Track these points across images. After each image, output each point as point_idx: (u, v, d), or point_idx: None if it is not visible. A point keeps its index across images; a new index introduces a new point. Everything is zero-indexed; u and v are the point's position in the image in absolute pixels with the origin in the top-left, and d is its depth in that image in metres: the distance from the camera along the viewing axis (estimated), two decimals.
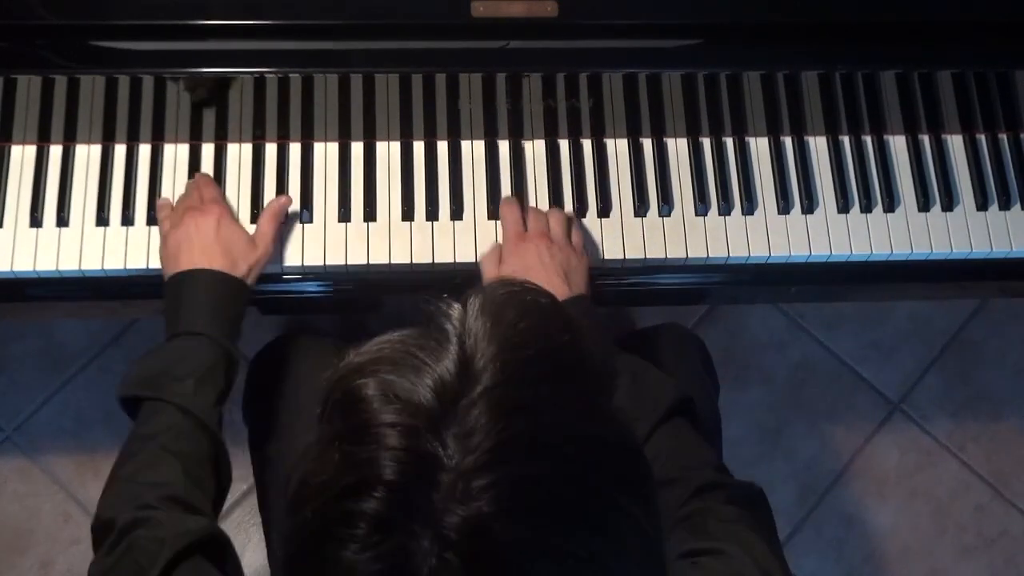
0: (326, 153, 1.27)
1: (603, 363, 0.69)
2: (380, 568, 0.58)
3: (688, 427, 1.07)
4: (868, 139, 1.32)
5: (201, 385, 1.05)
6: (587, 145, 1.29)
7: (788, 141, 1.32)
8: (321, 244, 1.24)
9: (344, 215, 1.25)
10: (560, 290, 1.13)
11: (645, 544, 0.63)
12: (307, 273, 1.24)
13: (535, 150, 1.29)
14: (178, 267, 1.12)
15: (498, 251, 1.20)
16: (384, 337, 0.65)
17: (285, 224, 1.24)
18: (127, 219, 1.24)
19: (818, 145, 1.32)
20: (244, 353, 1.81)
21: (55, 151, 1.25)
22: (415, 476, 0.59)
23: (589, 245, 1.25)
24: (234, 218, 1.19)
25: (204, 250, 1.12)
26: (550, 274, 1.14)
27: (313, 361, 1.31)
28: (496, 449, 0.59)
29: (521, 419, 0.60)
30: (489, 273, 1.18)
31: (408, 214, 1.26)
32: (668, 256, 1.27)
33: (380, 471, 0.59)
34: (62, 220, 1.23)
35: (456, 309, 0.65)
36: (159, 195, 1.25)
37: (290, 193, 1.25)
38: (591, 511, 0.60)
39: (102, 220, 1.24)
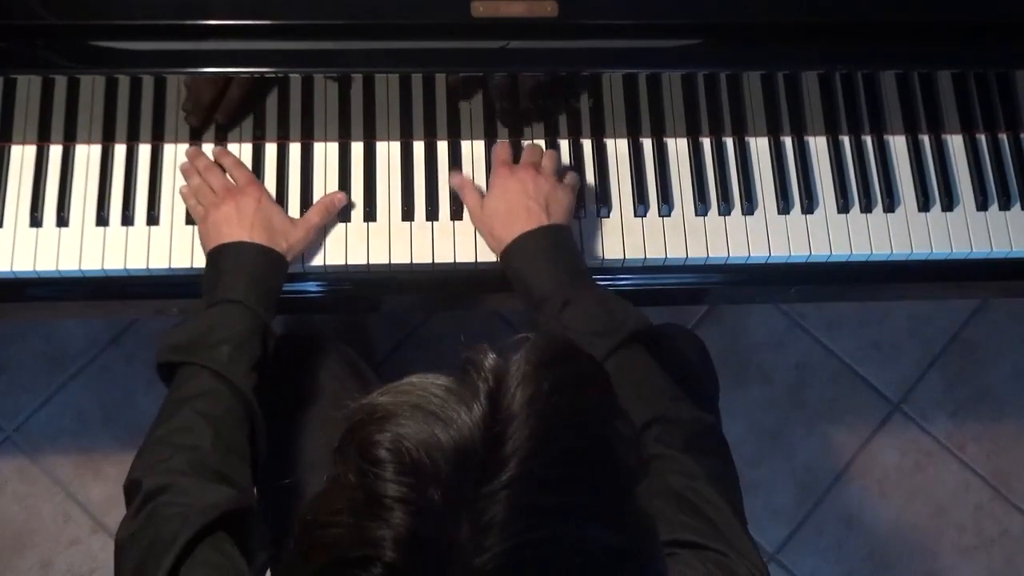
0: (326, 153, 1.27)
1: (634, 446, 0.66)
2: None
3: (646, 354, 1.07)
4: (868, 139, 1.32)
5: (237, 351, 1.05)
6: (587, 145, 1.29)
7: (788, 141, 1.32)
8: (321, 244, 1.24)
9: (344, 215, 1.25)
10: (538, 216, 1.15)
11: None
12: (307, 273, 1.24)
13: None
14: (219, 240, 1.14)
15: (472, 185, 1.24)
16: (413, 380, 0.61)
17: None
18: (127, 219, 1.24)
19: (818, 145, 1.32)
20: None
21: (55, 151, 1.25)
22: (420, 562, 0.56)
23: (589, 244, 1.25)
24: (272, 198, 1.21)
25: (244, 225, 1.15)
26: (529, 200, 1.16)
27: (313, 362, 1.31)
28: (512, 552, 0.56)
29: (544, 527, 0.57)
30: (473, 206, 1.21)
31: (408, 214, 1.26)
32: (668, 256, 1.27)
33: (383, 553, 0.56)
34: (62, 220, 1.23)
35: (491, 361, 0.61)
36: (159, 195, 1.24)
37: (290, 193, 1.25)
38: None
39: (102, 220, 1.24)
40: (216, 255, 1.14)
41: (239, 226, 1.15)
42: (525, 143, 1.27)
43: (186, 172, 1.25)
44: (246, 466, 1.00)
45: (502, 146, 1.25)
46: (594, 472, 0.61)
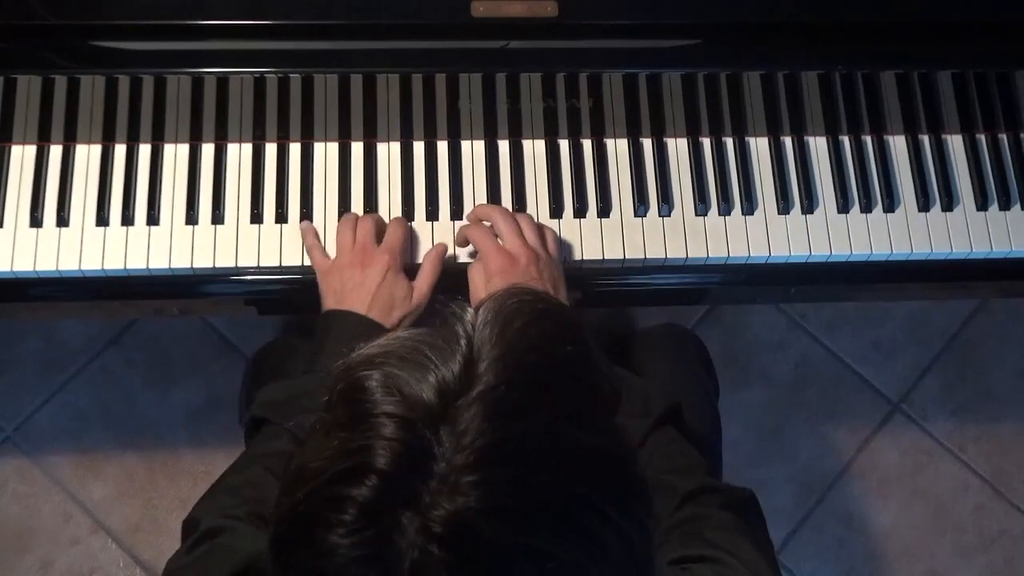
0: (326, 153, 1.27)
1: (608, 376, 0.69)
2: (362, 555, 0.59)
3: (677, 434, 1.08)
4: (868, 139, 1.32)
5: None
6: (587, 145, 1.29)
7: (788, 141, 1.32)
8: (320, 244, 1.24)
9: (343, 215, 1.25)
10: None
11: (631, 554, 0.63)
12: (307, 273, 1.24)
13: (535, 150, 1.29)
14: (336, 305, 1.15)
15: (482, 268, 1.16)
16: (397, 333, 0.66)
17: (286, 224, 1.24)
18: (127, 219, 1.24)
19: (818, 145, 1.32)
20: (246, 354, 1.82)
21: (55, 151, 1.25)
22: (407, 467, 0.59)
23: (590, 244, 1.25)
24: (400, 269, 1.18)
25: (363, 296, 1.14)
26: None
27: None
28: (487, 449, 0.60)
29: (514, 423, 0.61)
30: (479, 292, 1.15)
31: (408, 214, 1.26)
32: (668, 256, 1.27)
33: (373, 459, 0.60)
34: (62, 220, 1.23)
35: (469, 312, 0.66)
36: (159, 195, 1.24)
37: (290, 193, 1.25)
38: (577, 518, 0.61)
39: (102, 220, 1.24)
40: (328, 319, 1.15)
41: (358, 297, 1.14)
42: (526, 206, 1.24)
43: (344, 219, 1.22)
44: None
45: (479, 234, 1.18)
46: (565, 381, 0.65)
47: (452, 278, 1.21)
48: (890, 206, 1.30)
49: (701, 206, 1.28)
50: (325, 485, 0.61)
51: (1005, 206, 1.31)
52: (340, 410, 0.64)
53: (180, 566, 0.93)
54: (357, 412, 0.62)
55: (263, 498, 0.99)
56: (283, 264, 1.23)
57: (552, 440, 0.62)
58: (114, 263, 1.23)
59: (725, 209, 1.28)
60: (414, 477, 0.59)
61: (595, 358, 0.69)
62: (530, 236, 1.17)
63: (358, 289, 1.15)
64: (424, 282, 1.19)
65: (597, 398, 0.67)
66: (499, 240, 1.17)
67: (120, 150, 1.26)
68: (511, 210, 1.24)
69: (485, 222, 1.20)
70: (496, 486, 0.59)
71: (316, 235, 1.22)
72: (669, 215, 1.28)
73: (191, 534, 0.95)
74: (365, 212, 1.25)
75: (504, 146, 1.28)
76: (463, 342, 0.64)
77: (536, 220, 1.22)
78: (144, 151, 1.26)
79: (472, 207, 1.25)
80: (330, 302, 1.16)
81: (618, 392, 0.70)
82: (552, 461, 0.61)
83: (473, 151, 1.28)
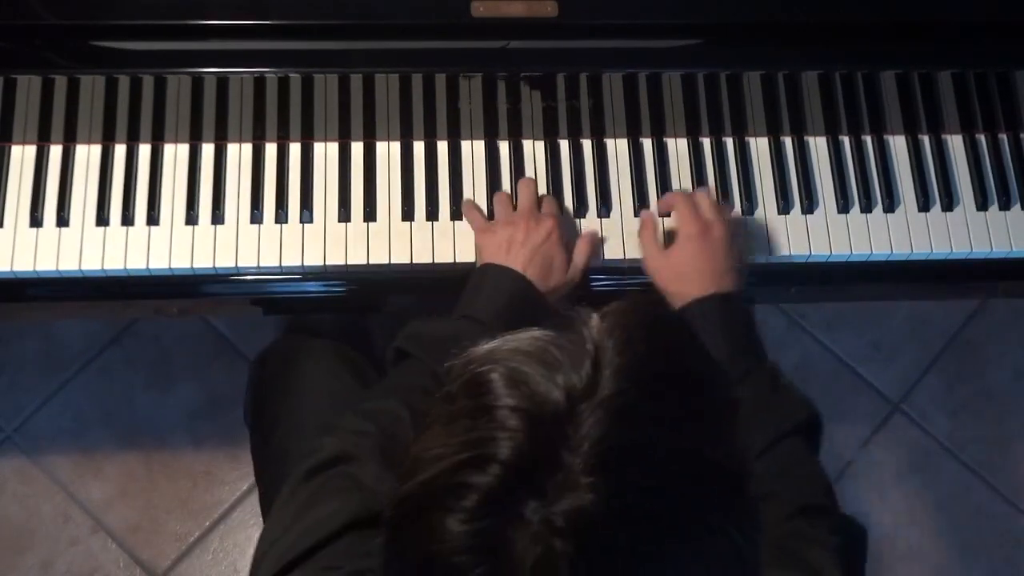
0: (326, 153, 1.27)
1: (727, 384, 0.70)
2: (479, 543, 0.60)
3: (803, 447, 1.07)
4: (868, 139, 1.32)
5: None
6: (587, 145, 1.29)
7: (788, 141, 1.32)
8: (321, 244, 1.24)
9: (344, 215, 1.25)
10: (720, 281, 1.14)
11: (742, 570, 0.64)
12: (307, 273, 1.24)
13: (535, 150, 1.29)
14: (495, 259, 1.15)
15: (653, 229, 1.21)
16: (520, 333, 0.66)
17: (286, 224, 1.24)
18: (127, 219, 1.24)
19: (818, 145, 1.32)
20: (246, 354, 1.82)
21: (55, 151, 1.25)
22: (531, 460, 0.60)
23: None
24: (563, 236, 1.19)
25: (524, 255, 1.15)
26: (717, 265, 1.15)
27: (314, 362, 1.31)
28: (608, 453, 0.60)
29: (637, 430, 0.62)
30: (654, 254, 1.19)
31: (408, 214, 1.26)
32: None
33: (497, 450, 0.60)
34: (62, 220, 1.23)
35: (594, 319, 0.66)
36: (159, 195, 1.24)
37: (290, 193, 1.25)
38: (694, 528, 0.62)
39: (102, 220, 1.24)
40: (485, 272, 1.15)
41: (520, 256, 1.15)
42: (698, 191, 1.24)
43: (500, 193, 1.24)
44: None
45: (682, 198, 1.21)
46: (684, 393, 0.66)
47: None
48: (890, 206, 1.30)
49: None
50: (446, 472, 0.61)
51: (1005, 206, 1.31)
52: (462, 402, 0.64)
53: (303, 485, 0.92)
54: (480, 404, 0.63)
55: (395, 433, 0.98)
56: (283, 264, 1.23)
57: (673, 450, 0.63)
58: (114, 263, 1.23)
59: None
60: (537, 470, 0.60)
61: (715, 369, 0.70)
62: (703, 204, 1.19)
63: (521, 247, 1.15)
64: (580, 258, 1.20)
65: (717, 410, 0.67)
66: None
67: (120, 150, 1.26)
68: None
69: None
70: (616, 490, 0.60)
71: (475, 203, 1.24)
72: (669, 215, 1.28)
73: (318, 449, 0.94)
74: (366, 211, 1.25)
75: (504, 146, 1.28)
76: (590, 347, 0.64)
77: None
78: (144, 151, 1.26)
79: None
80: (487, 255, 1.17)
81: (736, 401, 0.70)
82: (672, 470, 0.62)
83: (473, 151, 1.28)
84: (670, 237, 1.23)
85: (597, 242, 1.24)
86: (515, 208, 1.23)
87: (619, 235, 1.27)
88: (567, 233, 1.22)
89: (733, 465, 0.66)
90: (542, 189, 1.27)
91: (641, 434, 0.62)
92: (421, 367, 1.05)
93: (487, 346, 0.66)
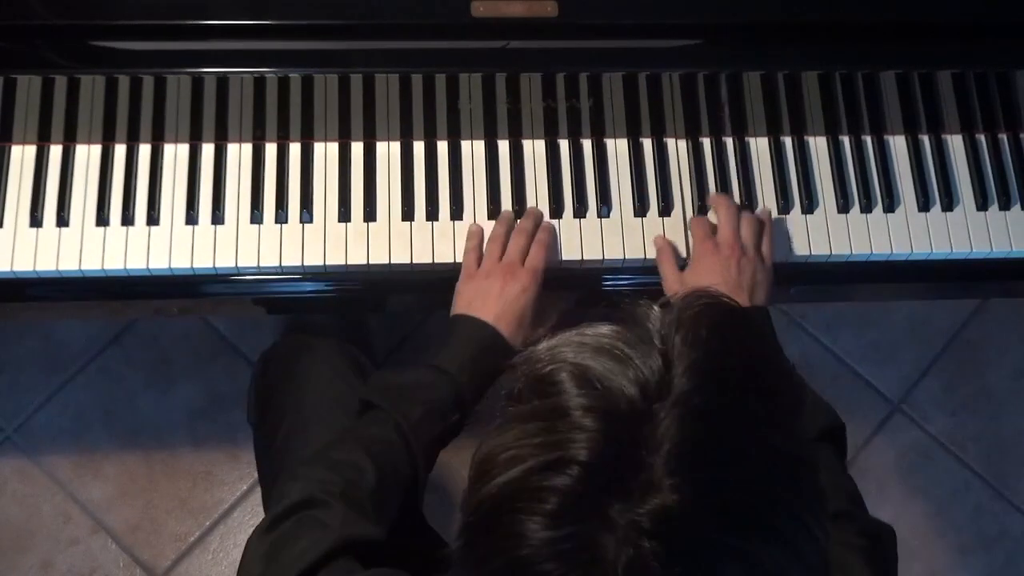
0: (326, 153, 1.27)
1: (796, 381, 0.70)
2: (566, 548, 0.59)
3: (833, 453, 1.08)
4: (868, 139, 1.32)
5: (428, 417, 1.06)
6: (587, 145, 1.29)
7: (788, 141, 1.32)
8: (321, 244, 1.24)
9: (344, 215, 1.25)
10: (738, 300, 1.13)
11: (821, 562, 0.64)
12: (307, 273, 1.24)
13: (535, 150, 1.29)
14: (468, 310, 1.15)
15: (670, 253, 1.21)
16: (582, 328, 0.66)
17: (286, 224, 1.24)
18: (127, 219, 1.24)
19: (818, 145, 1.32)
20: (246, 354, 1.82)
21: (55, 151, 1.25)
22: (611, 459, 0.59)
23: (590, 244, 1.25)
24: (538, 292, 1.19)
25: (496, 310, 1.15)
26: (732, 289, 1.13)
27: (318, 361, 1.31)
28: (688, 451, 0.60)
29: (714, 426, 0.62)
30: (670, 278, 1.19)
31: (408, 214, 1.26)
32: None
33: (575, 451, 0.59)
34: (62, 220, 1.23)
35: (657, 312, 0.66)
36: (159, 195, 1.24)
37: (290, 193, 1.25)
38: (778, 522, 0.62)
39: (102, 220, 1.24)
40: (457, 322, 1.15)
41: (492, 310, 1.15)
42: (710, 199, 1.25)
43: (498, 226, 1.24)
44: (388, 525, 1.00)
45: (699, 222, 1.22)
46: (756, 386, 0.65)
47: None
48: (890, 206, 1.30)
49: (701, 206, 1.28)
50: (523, 475, 0.61)
51: (1005, 206, 1.31)
52: (532, 402, 0.64)
53: (275, 531, 0.92)
54: (553, 405, 0.62)
55: (359, 482, 0.99)
56: (283, 264, 1.23)
57: (752, 445, 0.63)
58: (114, 263, 1.23)
59: None
60: (618, 471, 0.59)
61: (784, 361, 0.70)
62: (746, 232, 1.19)
63: (494, 300, 1.15)
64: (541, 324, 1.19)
65: (790, 403, 0.67)
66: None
67: (120, 150, 1.26)
68: (537, 209, 1.25)
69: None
70: (700, 488, 0.59)
71: (481, 240, 1.23)
72: (669, 215, 1.28)
73: (281, 501, 0.95)
74: (366, 211, 1.25)
75: (504, 146, 1.28)
76: (657, 341, 0.64)
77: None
78: (144, 151, 1.26)
79: (473, 207, 1.26)
80: (461, 304, 1.17)
81: (802, 396, 0.70)
82: (754, 466, 0.62)
83: (473, 151, 1.28)
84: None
85: (546, 245, 1.22)
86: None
87: (619, 235, 1.27)
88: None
89: (807, 458, 0.66)
90: (542, 189, 1.27)
91: (720, 431, 0.62)
92: (386, 418, 1.06)
93: (549, 343, 0.66)
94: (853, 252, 1.28)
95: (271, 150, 1.27)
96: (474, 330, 1.14)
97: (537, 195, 1.27)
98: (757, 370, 0.66)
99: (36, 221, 1.23)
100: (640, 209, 1.27)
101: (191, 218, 1.24)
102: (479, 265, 1.20)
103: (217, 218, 1.24)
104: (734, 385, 0.63)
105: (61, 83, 1.24)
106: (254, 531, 0.95)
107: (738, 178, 1.30)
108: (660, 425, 0.60)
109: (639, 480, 0.59)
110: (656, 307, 0.66)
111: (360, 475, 0.99)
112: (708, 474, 0.60)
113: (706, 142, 1.31)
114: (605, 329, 0.65)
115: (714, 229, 1.21)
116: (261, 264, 1.23)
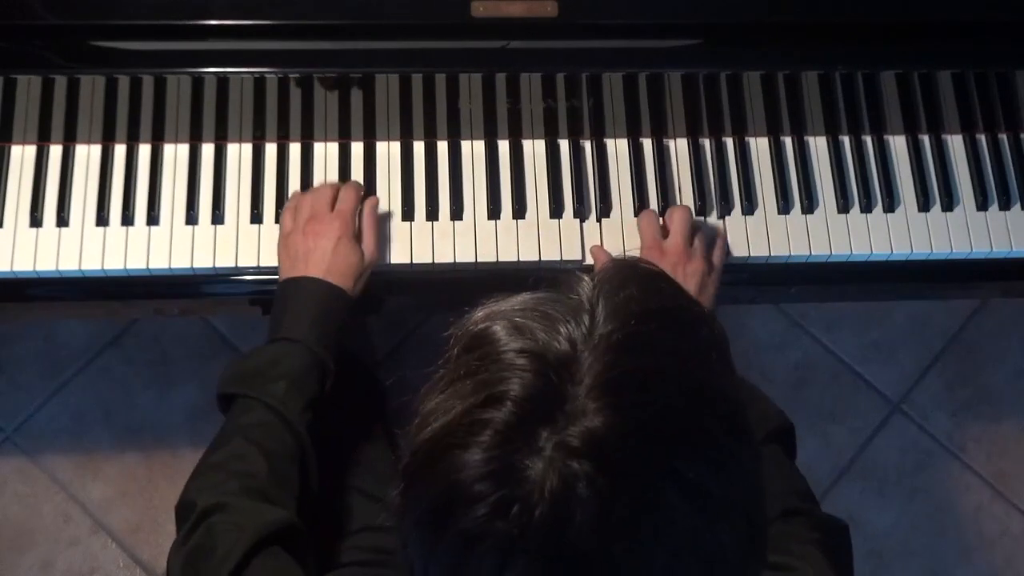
0: (326, 153, 1.27)
1: (713, 322, 0.72)
2: (495, 469, 0.61)
3: (782, 453, 1.09)
4: (868, 139, 1.32)
5: (292, 388, 1.07)
6: (587, 145, 1.29)
7: (788, 141, 1.32)
8: None
9: None
10: None
11: (752, 499, 0.66)
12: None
13: (535, 150, 1.29)
14: (292, 273, 1.15)
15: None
16: (515, 296, 0.69)
17: None
18: (127, 219, 1.24)
19: (818, 145, 1.32)
20: (244, 353, 1.82)
21: (55, 151, 1.25)
22: (541, 395, 0.62)
23: (590, 244, 1.25)
24: (352, 236, 1.18)
25: (318, 263, 1.15)
26: None
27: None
28: (612, 379, 0.63)
29: (635, 356, 0.64)
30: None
31: (408, 214, 1.26)
32: None
33: (508, 388, 0.63)
34: (62, 220, 1.23)
35: (587, 281, 0.69)
36: (159, 195, 1.24)
37: (290, 193, 1.25)
38: (702, 443, 0.64)
39: (102, 220, 1.24)
40: (284, 289, 1.15)
41: (314, 264, 1.15)
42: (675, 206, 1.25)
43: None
44: (294, 500, 1.01)
45: (647, 220, 1.22)
46: (677, 326, 0.69)
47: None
48: (890, 206, 1.30)
49: (701, 206, 1.28)
50: (459, 415, 0.63)
51: (1005, 206, 1.31)
52: (465, 358, 0.66)
53: (187, 548, 0.93)
54: (486, 353, 0.65)
55: (251, 471, 1.00)
56: None
57: (673, 372, 0.65)
58: (114, 263, 1.23)
59: (725, 209, 1.28)
60: (548, 403, 0.62)
61: (700, 307, 0.74)
62: (697, 240, 1.20)
63: (311, 256, 1.15)
64: (369, 239, 1.20)
65: (710, 340, 0.70)
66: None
67: (120, 150, 1.26)
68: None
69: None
70: (623, 410, 0.62)
71: (297, 202, 1.21)
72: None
73: (187, 518, 0.96)
74: None
75: (504, 146, 1.28)
76: (587, 303, 0.67)
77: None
78: (144, 151, 1.26)
79: (473, 207, 1.26)
80: (287, 269, 1.16)
81: (724, 336, 0.72)
82: (676, 392, 0.64)
83: (473, 151, 1.28)
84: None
85: (374, 210, 1.21)
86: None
87: (619, 235, 1.27)
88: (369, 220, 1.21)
89: (732, 392, 0.68)
90: (542, 189, 1.27)
91: (640, 359, 0.65)
92: (249, 403, 1.06)
93: (484, 309, 0.68)
94: (853, 252, 1.28)
95: (271, 150, 1.27)
96: (304, 292, 1.13)
97: (537, 195, 1.27)
98: (672, 310, 0.70)
99: (36, 221, 1.23)
100: (640, 209, 1.27)
101: (191, 218, 1.24)
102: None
103: (217, 218, 1.24)
104: (651, 321, 0.66)
105: (61, 83, 1.24)
106: (172, 546, 0.95)
107: (738, 178, 1.30)
108: (584, 362, 0.63)
109: (565, 410, 0.62)
110: (586, 277, 0.70)
111: (249, 465, 1.00)
112: (630, 397, 0.62)
113: (706, 142, 1.31)
114: (538, 294, 0.69)
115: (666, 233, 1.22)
116: (261, 264, 1.24)
